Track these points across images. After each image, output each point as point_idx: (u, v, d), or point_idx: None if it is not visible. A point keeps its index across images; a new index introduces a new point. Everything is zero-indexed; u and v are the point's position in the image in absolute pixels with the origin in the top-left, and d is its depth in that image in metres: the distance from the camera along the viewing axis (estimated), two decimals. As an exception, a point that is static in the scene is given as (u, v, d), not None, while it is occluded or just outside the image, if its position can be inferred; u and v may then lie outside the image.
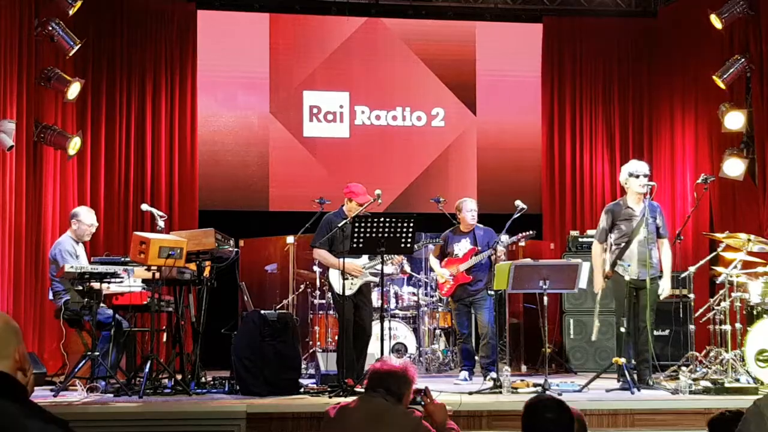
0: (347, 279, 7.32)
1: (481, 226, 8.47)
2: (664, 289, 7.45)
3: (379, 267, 7.28)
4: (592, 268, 7.77)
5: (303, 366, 8.24)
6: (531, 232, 8.22)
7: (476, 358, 8.50)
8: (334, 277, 7.53)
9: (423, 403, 4.11)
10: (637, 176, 7.38)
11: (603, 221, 7.61)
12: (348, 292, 7.35)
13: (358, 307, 7.53)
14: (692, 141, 10.57)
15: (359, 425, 3.80)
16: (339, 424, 3.89)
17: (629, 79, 11.44)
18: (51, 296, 7.76)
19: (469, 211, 8.42)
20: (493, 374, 7.60)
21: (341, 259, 7.22)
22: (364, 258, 7.51)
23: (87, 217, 7.87)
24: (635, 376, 7.12)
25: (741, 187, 9.76)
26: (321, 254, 7.66)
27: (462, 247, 8.41)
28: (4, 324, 2.44)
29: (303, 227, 8.88)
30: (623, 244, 7.38)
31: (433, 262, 8.66)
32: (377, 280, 7.58)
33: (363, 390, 4.21)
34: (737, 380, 7.17)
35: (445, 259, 8.50)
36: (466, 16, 11.58)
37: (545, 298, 7.30)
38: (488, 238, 8.33)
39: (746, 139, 9.87)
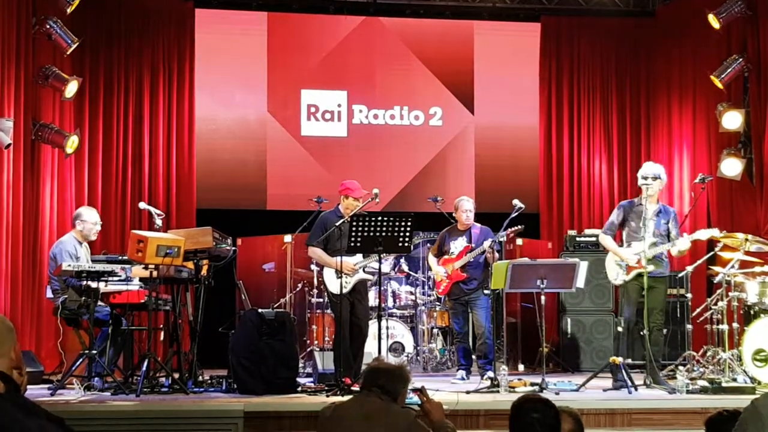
0: (341, 277, 7.31)
1: (478, 225, 8.47)
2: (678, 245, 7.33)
3: (372, 265, 7.27)
4: (590, 266, 7.77)
5: (300, 365, 8.25)
6: (519, 227, 8.21)
7: (473, 357, 8.50)
8: (329, 275, 7.54)
9: (420, 401, 4.11)
10: (645, 178, 7.39)
11: (614, 216, 7.67)
12: (343, 291, 7.34)
13: (354, 306, 7.52)
14: (690, 140, 10.58)
15: (355, 424, 3.81)
16: (335, 423, 3.89)
17: (627, 79, 11.44)
18: (50, 294, 7.74)
19: (464, 211, 8.43)
20: (491, 373, 7.61)
21: (337, 258, 7.22)
22: (358, 256, 7.51)
23: (90, 216, 7.85)
24: (632, 376, 7.13)
25: (738, 187, 9.77)
26: (316, 253, 7.65)
27: (458, 245, 8.42)
28: (0, 324, 2.44)
29: (301, 226, 8.87)
30: (633, 242, 7.39)
31: (431, 260, 8.67)
32: (372, 278, 7.57)
33: (359, 389, 4.21)
34: (734, 380, 7.18)
35: (442, 259, 8.51)
36: (464, 15, 11.58)
37: (543, 297, 7.31)
38: (484, 237, 8.33)
39: (744, 139, 9.89)
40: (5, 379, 2.34)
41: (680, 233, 7.48)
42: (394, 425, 3.78)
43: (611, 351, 8.72)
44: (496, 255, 8.11)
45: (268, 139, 11.15)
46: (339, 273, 7.27)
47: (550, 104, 11.40)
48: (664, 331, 8.92)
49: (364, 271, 7.56)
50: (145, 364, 6.95)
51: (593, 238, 9.14)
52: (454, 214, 8.57)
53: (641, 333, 7.27)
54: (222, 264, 7.65)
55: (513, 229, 8.13)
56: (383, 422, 3.78)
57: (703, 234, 7.34)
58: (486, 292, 8.17)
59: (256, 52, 11.14)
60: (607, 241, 7.63)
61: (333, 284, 7.44)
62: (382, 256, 7.20)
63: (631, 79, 11.43)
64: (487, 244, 8.09)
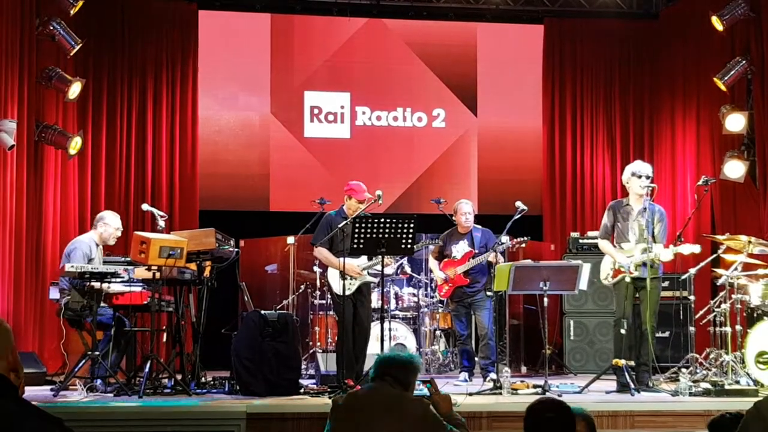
0: (345, 279, 7.31)
1: (479, 227, 8.47)
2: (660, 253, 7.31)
3: (377, 267, 7.27)
4: (593, 268, 7.76)
5: (303, 366, 8.25)
6: (525, 239, 8.22)
7: (476, 359, 8.50)
8: (333, 277, 7.53)
9: (429, 394, 4.15)
10: (639, 176, 7.38)
11: (605, 218, 7.62)
12: (346, 292, 7.34)
13: (357, 307, 7.51)
14: (693, 143, 10.56)
15: (370, 410, 3.84)
16: (349, 410, 3.92)
17: (630, 81, 11.44)
18: (57, 295, 7.72)
19: (463, 213, 8.43)
20: (493, 375, 7.60)
21: (341, 259, 7.22)
22: (363, 258, 7.50)
23: (113, 221, 7.78)
24: (634, 377, 7.12)
25: (742, 190, 9.76)
26: (322, 253, 7.64)
27: (459, 249, 8.41)
28: (-3, 326, 2.44)
29: (303, 228, 8.88)
30: (621, 243, 7.40)
31: (432, 263, 8.67)
32: (376, 280, 7.57)
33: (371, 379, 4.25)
34: (737, 382, 7.16)
35: (443, 261, 8.50)
36: (467, 17, 11.58)
37: (545, 300, 7.30)
38: (486, 240, 8.34)
39: (747, 141, 9.87)
40: (2, 381, 2.34)
41: (670, 238, 7.50)
42: (409, 413, 3.82)
43: (613, 353, 8.72)
44: (500, 257, 8.11)
45: (271, 140, 11.17)
46: (342, 274, 7.26)
47: (554, 106, 11.40)
48: (666, 333, 8.93)
49: (368, 273, 7.56)
50: (148, 365, 6.96)
51: (596, 240, 9.13)
52: (453, 217, 8.57)
53: (621, 332, 7.28)
54: (225, 265, 7.66)
55: (517, 240, 8.14)
56: (399, 410, 3.81)
57: (686, 249, 7.34)
58: (489, 293, 8.17)
59: (260, 54, 11.15)
60: (606, 246, 7.57)
61: (337, 285, 7.44)
62: (385, 261, 7.20)
63: (634, 81, 11.43)
64: (491, 255, 8.10)
